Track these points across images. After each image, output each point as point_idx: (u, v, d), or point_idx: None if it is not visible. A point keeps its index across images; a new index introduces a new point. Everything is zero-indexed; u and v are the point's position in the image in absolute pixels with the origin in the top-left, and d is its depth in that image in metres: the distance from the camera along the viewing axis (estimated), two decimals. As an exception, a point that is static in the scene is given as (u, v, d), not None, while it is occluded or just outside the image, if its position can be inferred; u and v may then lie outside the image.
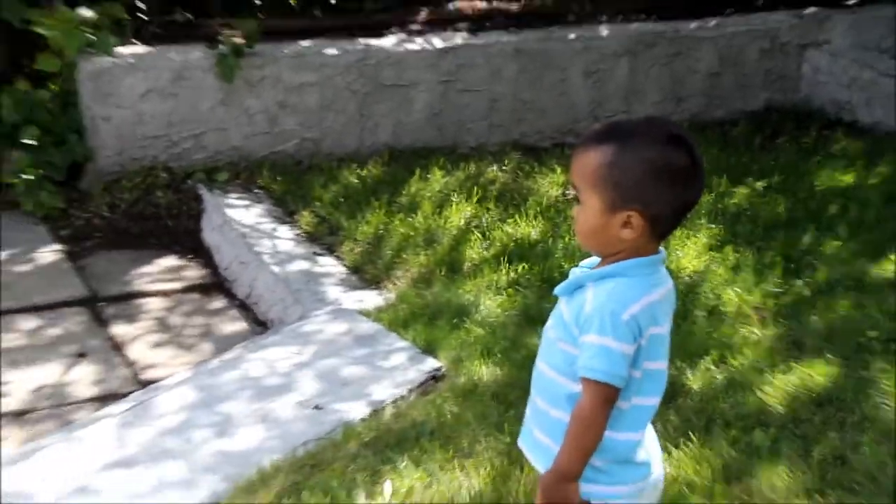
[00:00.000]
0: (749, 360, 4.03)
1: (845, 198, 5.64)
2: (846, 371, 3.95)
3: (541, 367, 2.40)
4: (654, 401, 2.34)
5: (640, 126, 2.26)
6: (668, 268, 4.41)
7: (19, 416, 4.19)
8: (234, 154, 6.16)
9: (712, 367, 3.99)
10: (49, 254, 5.56)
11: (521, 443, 2.49)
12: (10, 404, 4.24)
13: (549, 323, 2.39)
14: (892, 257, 4.87)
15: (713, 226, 5.30)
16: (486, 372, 3.98)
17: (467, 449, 3.52)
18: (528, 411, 2.47)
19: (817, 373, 3.92)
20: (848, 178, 5.93)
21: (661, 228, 2.26)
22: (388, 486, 3.34)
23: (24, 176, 5.78)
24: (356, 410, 3.81)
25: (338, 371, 4.09)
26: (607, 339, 2.19)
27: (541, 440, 2.41)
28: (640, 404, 2.30)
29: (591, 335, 2.21)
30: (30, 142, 5.82)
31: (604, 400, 2.21)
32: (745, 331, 4.28)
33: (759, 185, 5.88)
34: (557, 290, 2.36)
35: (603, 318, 2.20)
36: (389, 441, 3.58)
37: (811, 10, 7.32)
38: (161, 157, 6.06)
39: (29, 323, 4.90)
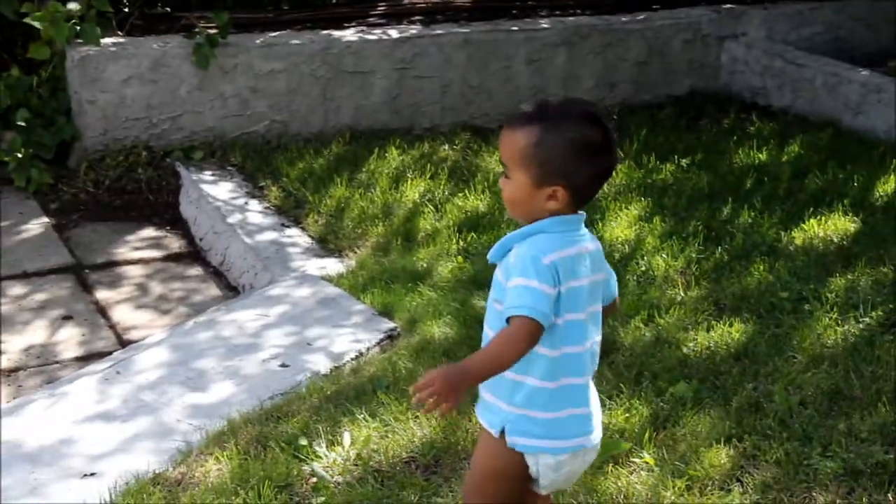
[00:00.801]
0: (674, 319, 3.98)
1: (760, 173, 5.59)
2: (760, 328, 3.91)
3: (485, 330, 2.35)
4: (579, 348, 2.27)
5: (560, 107, 2.24)
6: (603, 237, 4.38)
7: (10, 373, 4.08)
8: (209, 134, 6.02)
9: (642, 326, 3.94)
10: (38, 226, 5.42)
11: (477, 413, 2.41)
12: (0, 363, 4.14)
13: (491, 289, 2.33)
14: (802, 226, 4.82)
15: (643, 199, 5.23)
16: (437, 331, 3.90)
17: (415, 405, 3.44)
18: None
19: (735, 330, 3.88)
20: (762, 156, 5.88)
21: (582, 197, 2.25)
22: (347, 437, 3.26)
23: (17, 154, 5.64)
24: (318, 367, 3.73)
25: (302, 331, 4.00)
26: (531, 281, 2.15)
27: (488, 400, 2.35)
28: (568, 352, 2.25)
29: (515, 279, 2.17)
30: (21, 123, 5.68)
31: (528, 332, 2.14)
32: (671, 293, 4.22)
33: (684, 161, 5.82)
34: (490, 255, 2.32)
35: (525, 263, 2.17)
36: (349, 394, 3.50)
37: (729, 6, 7.26)
38: (142, 137, 5.90)
39: (19, 289, 4.77)
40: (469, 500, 2.47)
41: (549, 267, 2.17)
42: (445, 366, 2.22)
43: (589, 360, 2.31)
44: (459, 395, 2.14)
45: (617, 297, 2.46)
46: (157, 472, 3.09)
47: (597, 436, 2.37)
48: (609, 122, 2.25)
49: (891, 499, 2.96)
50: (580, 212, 2.28)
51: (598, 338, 2.34)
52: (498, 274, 2.29)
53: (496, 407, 2.32)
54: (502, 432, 2.30)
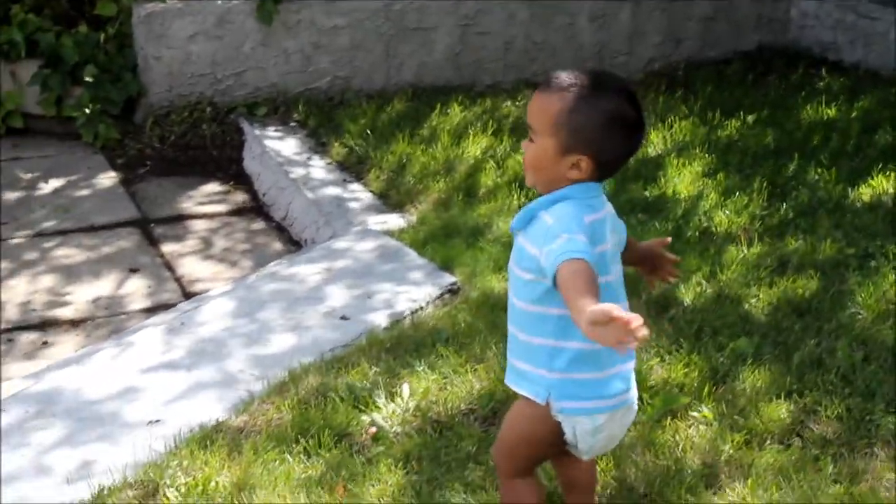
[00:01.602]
0: (737, 275, 3.95)
1: (828, 129, 5.51)
2: (825, 284, 3.87)
3: (511, 300, 2.33)
4: None
5: (597, 78, 2.20)
6: (665, 193, 4.37)
7: (77, 323, 4.17)
8: (272, 90, 6.07)
9: (703, 282, 3.92)
10: (106, 180, 5.52)
11: (508, 381, 2.40)
12: (68, 313, 4.24)
13: (511, 260, 2.31)
14: (870, 182, 4.75)
15: (707, 155, 5.18)
16: (497, 286, 3.91)
17: (479, 355, 3.46)
18: (508, 348, 2.38)
19: (799, 286, 3.85)
20: (831, 112, 5.79)
21: (608, 172, 2.25)
22: (406, 388, 3.30)
23: (85, 110, 5.74)
24: (379, 320, 3.76)
25: (363, 285, 4.03)
26: (577, 235, 2.12)
27: (520, 367, 2.34)
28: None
29: (561, 236, 2.12)
30: (89, 79, 5.75)
31: (576, 268, 2.05)
32: (733, 249, 4.19)
33: (750, 118, 5.75)
34: (513, 224, 2.28)
35: (568, 221, 2.15)
36: (408, 347, 3.54)
37: (800, -42, 7.14)
38: (206, 93, 5.97)
39: (88, 241, 4.87)
40: (500, 462, 2.49)
41: (588, 227, 2.16)
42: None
43: None
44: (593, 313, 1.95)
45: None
46: (219, 420, 3.15)
47: (634, 394, 2.36)
48: (640, 102, 2.24)
49: (955, 455, 2.94)
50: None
51: (623, 301, 2.30)
52: (521, 240, 2.25)
53: (536, 375, 2.29)
54: (547, 400, 2.28)
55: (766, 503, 2.77)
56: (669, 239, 2.57)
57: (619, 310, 1.89)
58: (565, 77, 2.19)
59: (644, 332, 1.88)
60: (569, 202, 2.19)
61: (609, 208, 2.30)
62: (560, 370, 2.26)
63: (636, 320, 1.87)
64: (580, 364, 2.26)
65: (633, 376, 2.37)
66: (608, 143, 2.17)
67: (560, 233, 2.13)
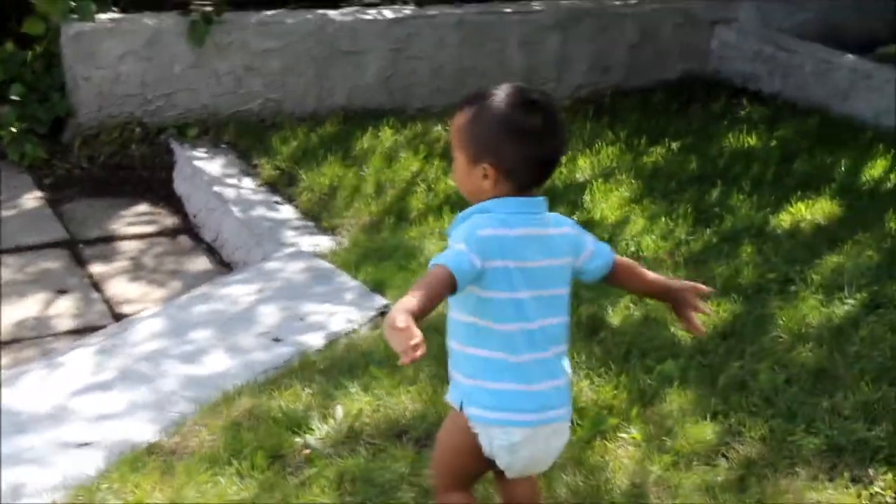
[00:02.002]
0: (663, 298, 4.02)
1: (749, 157, 5.64)
2: (747, 308, 3.96)
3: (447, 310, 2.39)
4: (518, 326, 2.28)
5: (498, 91, 2.28)
6: (592, 217, 4.40)
7: (3, 345, 4.10)
8: (203, 112, 6.03)
9: (631, 305, 3.98)
10: (32, 200, 5.43)
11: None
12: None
13: None
14: (789, 209, 4.87)
15: (633, 181, 5.27)
16: (429, 308, 3.93)
17: (412, 377, 3.48)
18: None
19: (722, 310, 3.93)
20: (751, 140, 5.92)
21: (517, 180, 2.29)
22: (339, 410, 3.30)
23: (11, 129, 5.65)
24: (312, 342, 3.77)
25: (296, 306, 4.03)
26: (460, 245, 2.21)
27: (452, 375, 2.40)
28: (509, 329, 2.27)
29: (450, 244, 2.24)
30: (16, 98, 5.68)
31: (428, 272, 2.19)
32: (660, 273, 4.25)
33: (674, 145, 5.86)
34: (447, 229, 2.38)
35: (460, 232, 2.25)
36: (342, 369, 3.54)
37: (721, -9, 7.31)
38: (136, 114, 5.91)
39: (13, 262, 4.79)
40: (434, 475, 2.56)
41: (481, 240, 2.22)
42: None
43: (542, 339, 2.31)
44: (404, 333, 2.02)
45: (619, 260, 2.49)
46: (151, 441, 3.13)
47: (555, 417, 2.36)
48: (553, 111, 2.30)
49: (871, 473, 3.02)
50: (536, 196, 2.32)
51: (557, 319, 2.34)
52: None
53: (457, 380, 2.38)
54: (462, 407, 2.34)
55: (693, 522, 2.83)
56: (710, 291, 2.57)
57: (404, 320, 1.99)
58: (473, 93, 2.31)
59: (415, 353, 1.98)
60: (482, 215, 2.27)
61: (556, 230, 2.34)
62: (472, 377, 2.32)
63: (411, 338, 1.97)
64: (492, 373, 2.30)
65: (566, 395, 2.39)
66: (504, 149, 2.24)
67: (452, 241, 2.25)
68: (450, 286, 2.17)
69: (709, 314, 2.56)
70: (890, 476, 3.01)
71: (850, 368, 3.52)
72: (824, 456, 3.09)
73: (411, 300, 2.08)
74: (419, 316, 2.07)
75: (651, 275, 2.56)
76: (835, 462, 3.08)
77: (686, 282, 2.57)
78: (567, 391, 2.41)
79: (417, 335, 2.00)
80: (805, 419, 3.25)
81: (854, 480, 3.00)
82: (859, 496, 2.94)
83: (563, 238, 2.36)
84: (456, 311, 2.34)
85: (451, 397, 2.39)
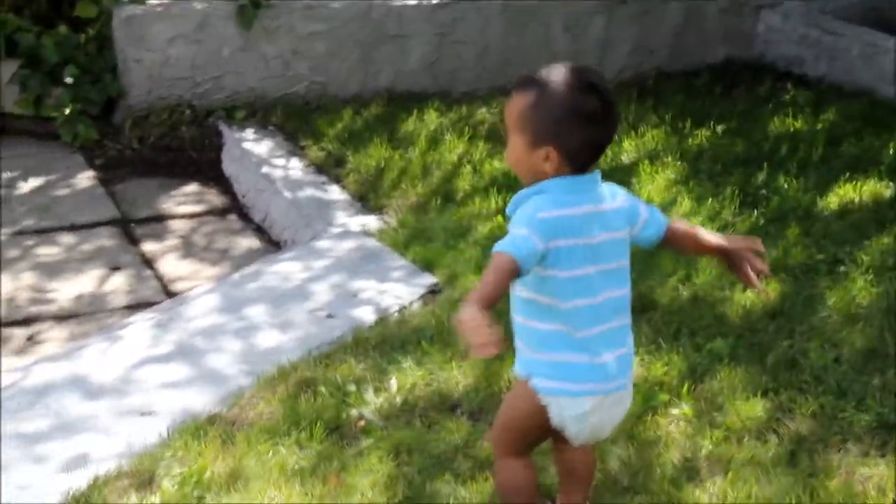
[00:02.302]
0: (711, 278, 4.04)
1: (795, 140, 5.63)
2: (796, 288, 3.97)
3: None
4: (587, 301, 2.33)
5: (558, 74, 2.30)
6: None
7: (62, 319, 4.19)
8: (250, 95, 6.10)
9: (679, 286, 4.00)
10: (85, 180, 5.53)
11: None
12: (53, 310, 4.25)
13: None
14: (837, 191, 4.87)
15: (678, 163, 5.28)
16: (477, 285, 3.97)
17: (463, 352, 3.53)
18: None
19: (771, 290, 3.93)
20: (797, 124, 5.92)
21: (577, 162, 2.32)
22: (393, 383, 3.36)
23: (64, 110, 5.75)
24: (364, 318, 3.82)
25: (346, 284, 4.08)
26: (521, 230, 2.24)
27: (518, 346, 2.44)
28: (578, 305, 2.31)
29: (511, 229, 2.28)
30: (69, 80, 5.77)
31: (498, 263, 2.20)
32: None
33: (719, 128, 5.86)
34: (507, 210, 2.40)
35: (523, 216, 2.28)
36: (394, 344, 3.59)
37: (766, -26, 7.28)
38: (185, 97, 5.99)
39: (68, 240, 4.89)
40: (495, 440, 2.59)
41: (543, 222, 2.26)
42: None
43: (607, 311, 2.36)
44: (477, 330, 2.08)
45: (674, 224, 2.52)
46: (211, 412, 3.19)
47: (619, 386, 2.41)
48: (610, 94, 2.32)
49: (924, 450, 3.04)
50: (593, 171, 2.35)
51: (620, 291, 2.39)
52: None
53: (523, 353, 2.42)
54: (529, 378, 2.39)
55: (745, 496, 2.85)
56: (758, 242, 2.57)
57: (472, 321, 2.06)
58: (530, 76, 2.33)
59: (490, 348, 2.03)
60: (541, 196, 2.30)
61: (610, 205, 2.37)
62: (538, 349, 2.36)
63: (484, 333, 2.03)
64: (557, 346, 2.34)
65: (630, 364, 2.44)
66: (568, 132, 2.26)
67: (513, 225, 2.28)
68: (514, 272, 2.21)
69: (767, 274, 2.56)
70: (942, 452, 3.03)
71: (901, 347, 3.54)
72: (875, 433, 3.11)
73: (480, 292, 2.15)
74: (489, 306, 2.12)
75: (706, 235, 2.58)
76: (886, 439, 3.09)
77: (742, 239, 2.59)
78: (630, 360, 2.45)
79: (492, 330, 2.05)
80: (855, 397, 3.27)
81: (906, 457, 3.02)
82: (911, 472, 2.96)
83: (619, 211, 2.40)
84: (518, 288, 2.38)
85: (518, 369, 2.43)
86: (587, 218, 2.33)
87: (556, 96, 2.27)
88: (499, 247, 2.23)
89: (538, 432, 2.48)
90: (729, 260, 2.54)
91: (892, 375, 3.37)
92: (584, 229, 2.32)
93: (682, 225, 2.58)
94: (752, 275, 2.51)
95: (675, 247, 2.59)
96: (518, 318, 2.41)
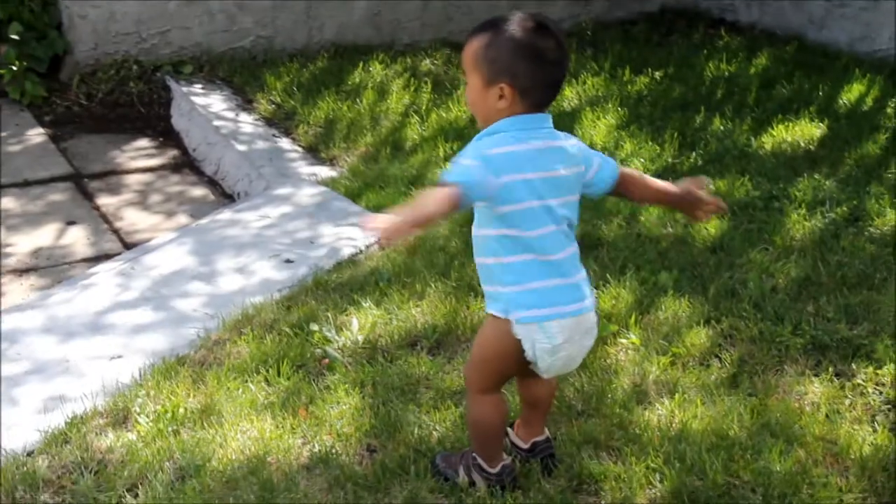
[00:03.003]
0: (654, 216, 4.19)
1: (730, 84, 5.80)
2: (735, 224, 4.14)
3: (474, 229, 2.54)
4: (543, 231, 2.42)
5: (513, 18, 2.40)
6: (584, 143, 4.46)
7: (22, 273, 4.23)
8: (197, 49, 6.14)
9: (624, 224, 4.15)
10: (35, 136, 5.55)
11: (486, 308, 2.58)
12: (12, 263, 4.29)
13: None
14: (771, 132, 5.05)
15: (619, 109, 5.42)
16: (431, 231, 4.07)
17: (420, 292, 3.64)
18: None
19: (711, 226, 4.10)
20: (731, 69, 6.08)
21: (531, 99, 2.40)
22: (355, 322, 3.46)
23: (11, 67, 5.74)
24: (322, 262, 3.91)
25: (303, 231, 4.18)
26: (465, 159, 2.35)
27: (485, 290, 2.54)
28: (523, 235, 2.41)
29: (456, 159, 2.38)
30: (14, 37, 5.76)
31: (446, 194, 2.27)
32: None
33: (657, 74, 6.01)
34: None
35: (469, 149, 2.39)
36: (353, 286, 3.69)
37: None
38: (132, 52, 6.01)
39: (22, 195, 4.91)
40: (469, 377, 2.68)
41: (494, 157, 2.35)
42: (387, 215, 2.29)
43: (565, 239, 2.46)
44: (393, 235, 2.22)
45: (624, 171, 2.60)
46: (180, 354, 3.28)
47: (590, 305, 2.51)
48: (562, 35, 2.41)
49: (853, 368, 3.22)
50: (543, 112, 2.43)
51: (575, 221, 2.49)
52: None
53: (497, 291, 2.50)
54: (508, 314, 2.47)
55: (691, 416, 3.01)
56: (706, 180, 2.69)
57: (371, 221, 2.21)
58: (483, 22, 2.42)
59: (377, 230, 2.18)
60: (492, 136, 2.40)
61: (566, 143, 2.46)
62: (514, 283, 2.45)
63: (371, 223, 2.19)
64: (530, 275, 2.44)
65: (585, 287, 2.53)
66: (521, 69, 2.35)
67: (460, 156, 2.37)
68: (455, 200, 2.28)
69: (723, 208, 2.71)
70: (871, 370, 3.21)
71: (832, 276, 3.72)
72: (810, 354, 3.29)
73: (413, 213, 2.22)
74: (414, 229, 2.23)
75: (656, 183, 2.70)
76: (819, 359, 3.27)
77: (690, 181, 2.69)
78: (589, 284, 2.57)
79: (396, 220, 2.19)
80: (791, 322, 3.44)
81: (838, 374, 3.19)
82: (843, 388, 3.13)
83: (575, 149, 2.50)
84: (484, 228, 2.47)
85: (493, 308, 2.50)
86: (544, 152, 2.42)
87: (510, 35, 2.36)
88: (444, 175, 2.32)
89: (514, 367, 2.57)
90: (681, 204, 2.66)
91: (825, 302, 3.55)
92: (540, 163, 2.41)
93: (632, 172, 2.68)
94: (706, 214, 2.64)
95: (626, 193, 2.67)
96: (488, 260, 2.48)
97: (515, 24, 2.38)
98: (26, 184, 5.02)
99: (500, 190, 2.35)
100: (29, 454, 2.83)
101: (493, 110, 2.41)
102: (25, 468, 2.76)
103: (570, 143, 2.50)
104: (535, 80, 2.39)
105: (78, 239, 4.54)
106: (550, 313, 2.45)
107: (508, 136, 2.40)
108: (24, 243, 4.46)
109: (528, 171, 2.39)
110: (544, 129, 2.45)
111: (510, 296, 2.46)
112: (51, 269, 4.26)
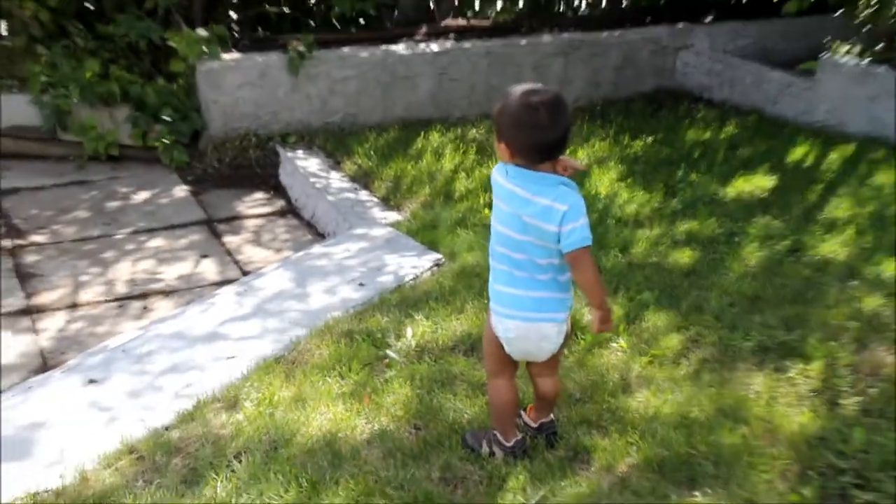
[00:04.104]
0: (642, 249, 4.19)
1: (704, 146, 5.76)
2: (703, 254, 4.12)
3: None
4: (497, 249, 2.49)
5: (517, 92, 2.37)
6: (590, 193, 4.54)
7: (169, 293, 4.36)
8: (299, 125, 6.25)
9: (619, 255, 4.15)
10: (179, 192, 5.69)
11: None
12: (161, 286, 4.42)
13: None
14: (734, 183, 5.01)
15: (620, 166, 5.42)
16: (471, 260, 4.13)
17: (460, 307, 3.69)
18: None
19: (685, 256, 4.09)
20: (706, 134, 6.05)
21: (524, 158, 2.36)
22: (409, 331, 3.51)
23: (164, 140, 5.90)
24: (387, 285, 3.97)
25: (374, 261, 4.24)
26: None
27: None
28: (492, 245, 2.52)
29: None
30: (166, 118, 5.92)
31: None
32: (639, 232, 4.43)
33: (650, 139, 5.99)
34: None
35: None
36: (409, 303, 3.74)
37: (681, 24, 7.34)
38: (251, 127, 6.14)
39: (169, 236, 5.05)
40: (484, 364, 2.76)
41: (493, 182, 2.47)
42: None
43: (525, 263, 2.45)
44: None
45: (573, 254, 2.39)
46: (278, 356, 3.36)
47: (529, 318, 2.48)
48: (553, 107, 2.30)
49: (788, 365, 3.19)
50: (545, 174, 2.36)
51: (501, 249, 2.47)
52: None
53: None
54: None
55: (662, 402, 3.01)
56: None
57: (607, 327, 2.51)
58: (504, 91, 2.43)
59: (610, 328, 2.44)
60: (499, 166, 2.46)
61: (532, 195, 2.37)
62: (491, 281, 2.55)
63: (606, 328, 2.51)
64: (497, 280, 2.52)
65: (513, 300, 2.50)
66: (514, 134, 2.36)
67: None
68: None
69: (610, 330, 2.62)
70: (801, 366, 3.18)
71: (776, 294, 3.69)
72: (756, 355, 3.27)
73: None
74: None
75: (588, 292, 2.51)
76: (763, 358, 3.25)
77: (597, 312, 2.53)
78: (538, 303, 2.49)
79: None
80: (743, 330, 3.42)
81: (776, 370, 3.18)
82: (779, 380, 3.11)
83: (542, 206, 2.36)
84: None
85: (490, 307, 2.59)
86: (513, 194, 2.38)
87: (508, 108, 2.36)
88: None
89: (499, 353, 2.60)
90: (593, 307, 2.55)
91: (769, 314, 3.53)
92: (508, 199, 2.40)
93: (576, 259, 2.43)
94: (596, 325, 2.53)
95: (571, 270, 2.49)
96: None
97: (514, 98, 2.35)
98: (172, 227, 5.16)
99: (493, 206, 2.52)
100: (166, 428, 2.93)
101: (504, 159, 2.44)
102: (162, 438, 2.85)
103: (545, 201, 2.35)
104: (522, 144, 2.36)
105: (209, 268, 4.65)
106: (505, 313, 2.51)
107: (503, 169, 2.45)
108: (170, 271, 4.59)
109: (497, 199, 2.48)
110: (529, 183, 2.37)
111: (491, 291, 2.56)
112: (188, 290, 4.38)
